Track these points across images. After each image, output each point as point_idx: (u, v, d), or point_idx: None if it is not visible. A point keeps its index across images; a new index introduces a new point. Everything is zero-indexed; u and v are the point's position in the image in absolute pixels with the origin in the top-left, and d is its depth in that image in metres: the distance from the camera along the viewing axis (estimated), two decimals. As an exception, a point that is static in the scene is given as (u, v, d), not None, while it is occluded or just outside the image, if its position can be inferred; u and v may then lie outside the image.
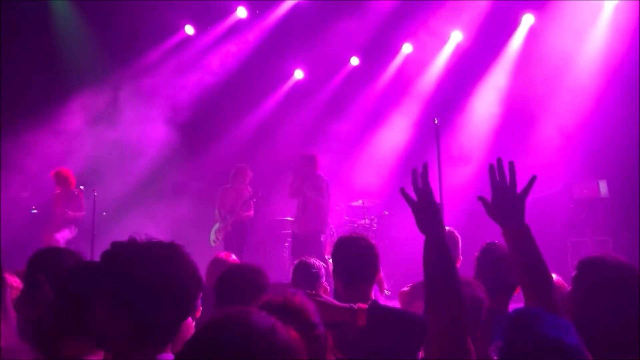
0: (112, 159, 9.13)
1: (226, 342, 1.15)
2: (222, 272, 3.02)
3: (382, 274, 4.35)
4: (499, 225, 2.01)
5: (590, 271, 2.08)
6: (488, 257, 3.16)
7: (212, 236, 8.27)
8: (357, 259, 2.82)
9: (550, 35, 8.49)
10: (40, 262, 2.29)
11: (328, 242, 8.42)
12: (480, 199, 2.04)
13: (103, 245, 1.76)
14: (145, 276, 1.58)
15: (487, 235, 3.60)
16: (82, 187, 8.19)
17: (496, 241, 3.11)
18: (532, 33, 9.07)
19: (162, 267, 1.61)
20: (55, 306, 1.93)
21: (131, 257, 1.61)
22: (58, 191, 8.24)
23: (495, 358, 1.54)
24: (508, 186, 1.99)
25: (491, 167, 2.02)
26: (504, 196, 1.98)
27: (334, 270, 2.94)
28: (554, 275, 2.94)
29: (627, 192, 7.60)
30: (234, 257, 4.41)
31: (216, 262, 4.23)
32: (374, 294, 2.91)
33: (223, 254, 4.49)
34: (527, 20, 9.12)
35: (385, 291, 4.33)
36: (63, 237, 7.83)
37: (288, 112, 10.88)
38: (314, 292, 2.85)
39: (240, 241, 8.22)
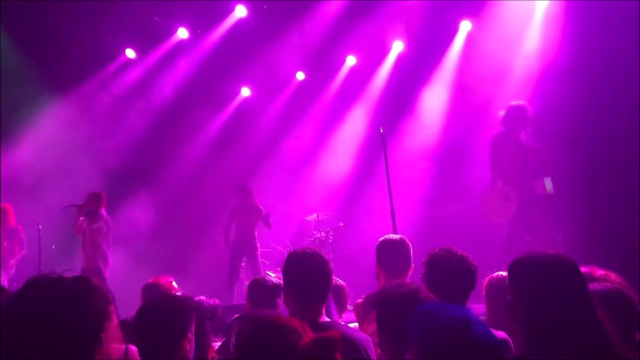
0: (57, 188, 8.76)
1: None
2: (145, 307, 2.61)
3: (347, 288, 4.26)
4: None
5: (519, 269, 2.16)
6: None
7: None
8: (309, 275, 2.71)
9: (488, 38, 8.68)
10: None
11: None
12: None
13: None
14: (56, 310, 1.64)
15: (440, 240, 3.62)
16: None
17: (445, 247, 3.10)
18: (470, 38, 9.26)
19: (71, 301, 1.68)
20: None
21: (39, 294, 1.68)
22: None
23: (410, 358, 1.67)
24: None
25: None
26: None
27: (285, 287, 2.83)
28: (502, 273, 2.95)
29: (569, 187, 7.79)
30: (174, 284, 4.04)
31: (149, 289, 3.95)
32: (326, 309, 2.84)
33: (161, 279, 4.06)
34: (465, 26, 9.32)
35: (348, 306, 4.26)
36: (3, 279, 7.30)
37: (237, 130, 10.79)
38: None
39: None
